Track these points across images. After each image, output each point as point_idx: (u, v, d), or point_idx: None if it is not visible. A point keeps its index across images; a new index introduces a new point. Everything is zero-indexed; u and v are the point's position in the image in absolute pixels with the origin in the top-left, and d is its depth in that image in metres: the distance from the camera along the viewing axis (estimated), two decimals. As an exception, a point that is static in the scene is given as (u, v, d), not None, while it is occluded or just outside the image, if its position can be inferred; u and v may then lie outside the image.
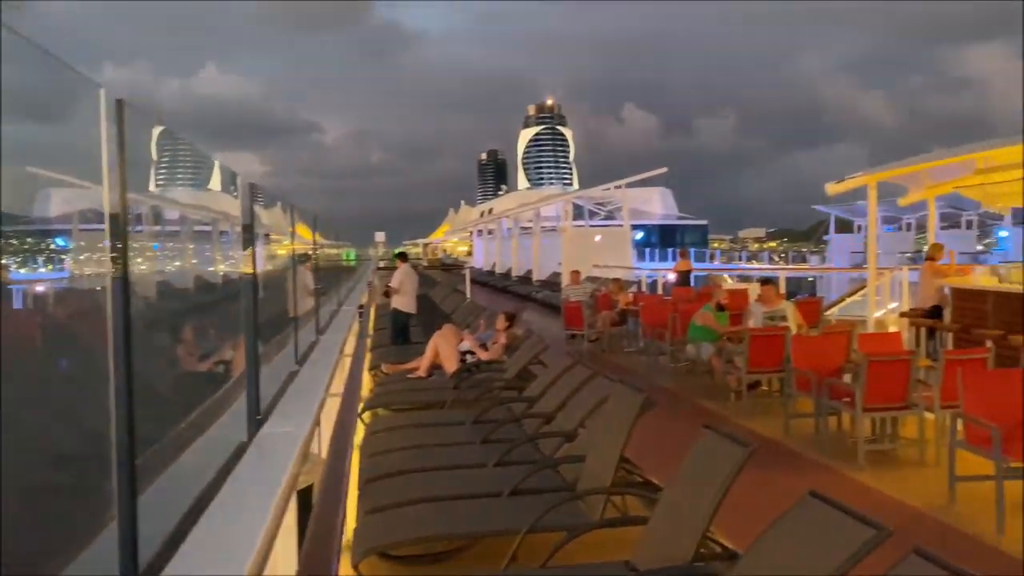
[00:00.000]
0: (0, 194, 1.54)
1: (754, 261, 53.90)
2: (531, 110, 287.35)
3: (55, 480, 1.80)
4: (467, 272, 25.77)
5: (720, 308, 9.86)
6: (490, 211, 72.46)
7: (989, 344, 8.63)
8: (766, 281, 9.93)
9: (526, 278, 32.31)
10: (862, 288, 15.69)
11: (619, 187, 30.26)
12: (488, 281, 36.55)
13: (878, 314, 13.09)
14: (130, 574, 1.73)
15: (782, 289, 14.98)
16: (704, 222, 68.93)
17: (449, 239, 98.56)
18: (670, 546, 3.14)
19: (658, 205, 64.84)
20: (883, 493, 5.70)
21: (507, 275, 36.63)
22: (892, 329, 12.20)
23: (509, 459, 4.87)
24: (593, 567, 3.66)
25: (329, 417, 4.25)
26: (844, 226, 46.43)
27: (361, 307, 14.85)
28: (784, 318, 9.15)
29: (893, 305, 14.18)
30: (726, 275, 27.11)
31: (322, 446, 4.11)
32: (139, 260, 2.65)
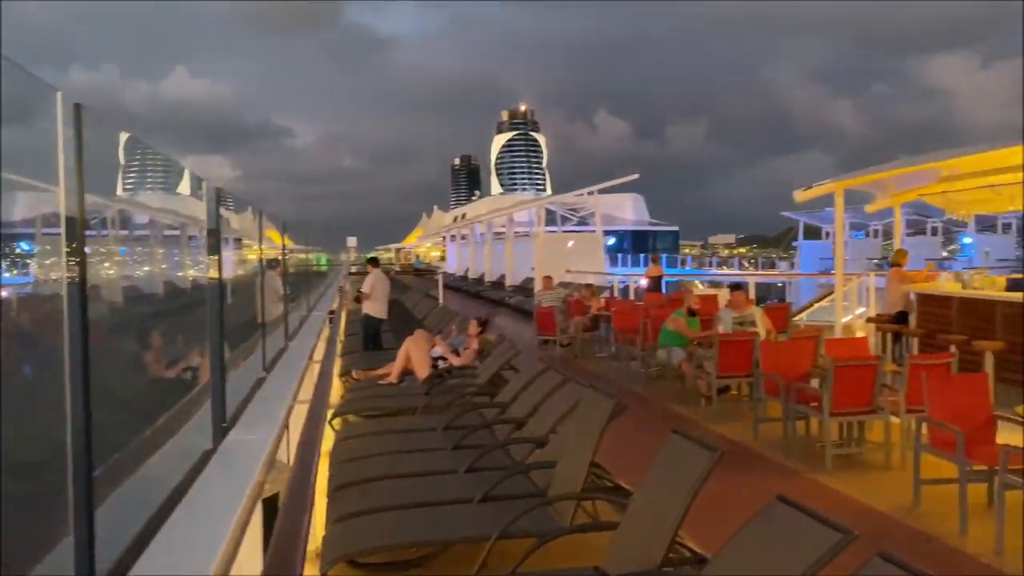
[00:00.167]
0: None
1: (724, 267, 54.52)
2: (504, 115, 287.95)
3: (14, 490, 1.75)
4: (440, 277, 25.70)
5: (691, 313, 9.92)
6: (463, 216, 72.43)
7: (953, 349, 8.77)
8: (736, 287, 10.03)
9: (499, 283, 32.30)
10: (830, 294, 15.91)
11: (592, 193, 30.37)
12: (461, 286, 36.48)
13: (845, 319, 13.28)
14: (87, 586, 1.69)
15: (752, 295, 15.12)
16: (675, 228, 69.48)
17: (422, 244, 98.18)
18: (639, 551, 3.15)
19: (630, 211, 65.26)
20: (850, 497, 5.77)
21: (480, 280, 36.59)
22: (859, 334, 12.38)
23: (480, 465, 4.85)
24: (563, 573, 3.66)
25: (297, 424, 4.20)
26: (813, 232, 47.04)
27: (332, 312, 14.73)
28: (753, 323, 9.24)
29: (860, 310, 14.39)
30: (697, 280, 27.32)
31: (290, 454, 4.06)
32: (106, 264, 2.60)
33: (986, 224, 41.83)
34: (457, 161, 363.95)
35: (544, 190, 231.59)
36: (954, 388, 5.60)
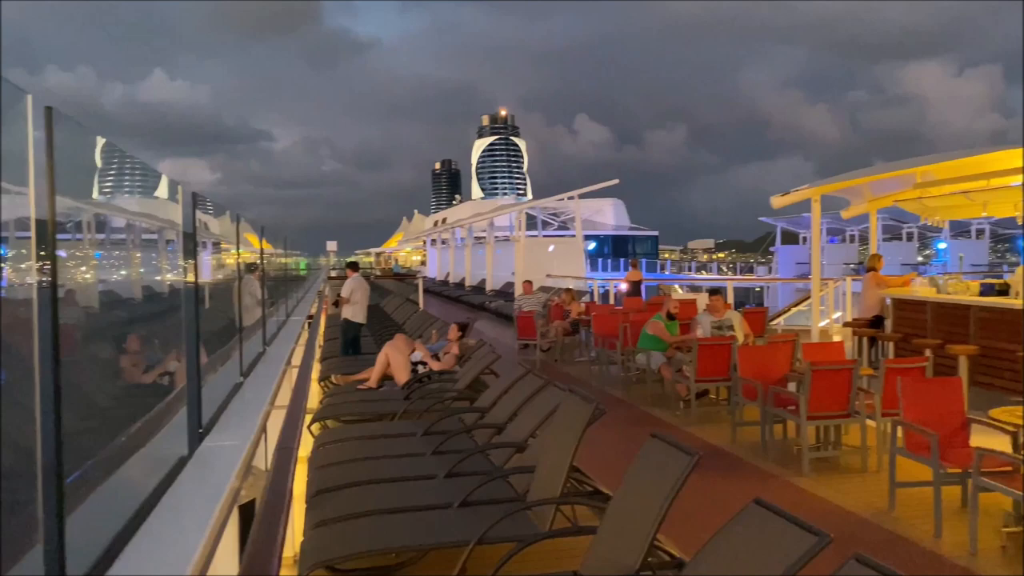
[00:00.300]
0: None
1: (703, 271, 54.81)
2: (485, 120, 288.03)
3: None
4: (420, 282, 25.62)
5: (671, 317, 9.97)
6: (444, 221, 72.29)
7: (928, 353, 8.88)
8: (714, 291, 10.08)
9: (479, 288, 32.31)
10: (807, 298, 16.06)
11: (572, 198, 30.47)
12: (442, 291, 36.42)
13: (822, 324, 13.41)
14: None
15: (730, 299, 15.23)
16: (655, 233, 69.63)
17: (402, 248, 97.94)
18: (617, 555, 3.15)
19: (610, 216, 65.38)
20: (827, 499, 5.82)
21: (461, 285, 36.55)
22: (836, 338, 12.49)
23: (460, 470, 4.84)
24: (542, 578, 3.65)
25: (275, 430, 4.16)
26: (790, 238, 47.47)
27: (311, 317, 14.63)
28: (731, 328, 9.31)
29: (837, 315, 14.53)
30: (676, 285, 27.47)
31: (268, 459, 4.03)
32: (82, 268, 2.57)
33: (960, 230, 42.51)
34: (438, 165, 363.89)
35: (525, 195, 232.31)
36: (929, 392, 5.66)
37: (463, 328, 9.24)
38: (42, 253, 1.71)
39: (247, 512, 3.15)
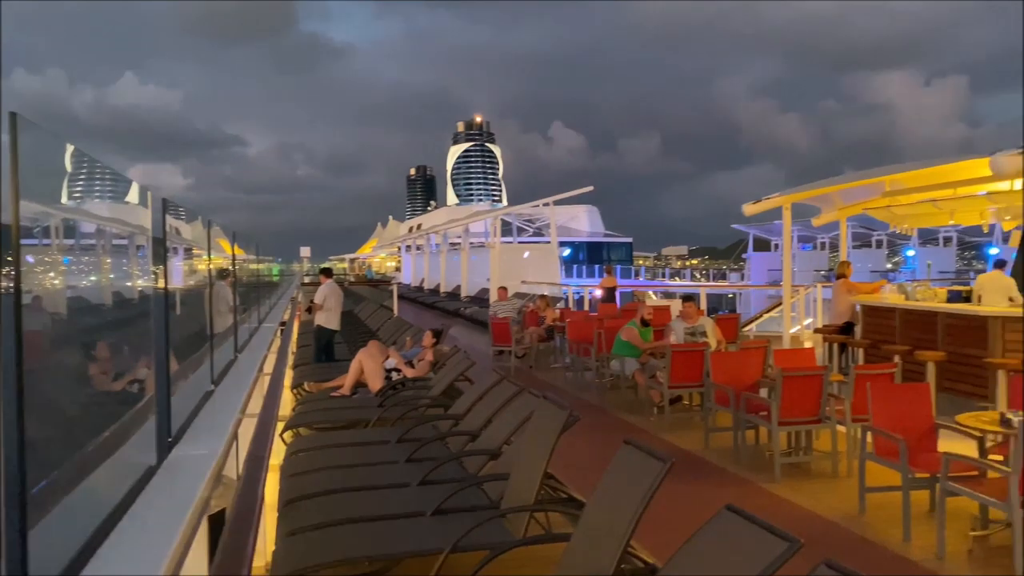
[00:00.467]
0: None
1: (677, 278, 55.23)
2: (460, 127, 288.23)
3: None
4: (394, 288, 25.52)
5: (644, 323, 10.02)
6: (419, 227, 72.10)
7: (897, 359, 9.01)
8: (687, 298, 10.15)
9: (454, 294, 32.27)
10: (779, 305, 16.23)
11: (547, 204, 30.58)
12: (416, 297, 36.32)
13: (793, 330, 13.55)
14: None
15: (703, 305, 15.34)
16: (630, 239, 69.93)
17: (377, 254, 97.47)
18: (591, 562, 3.15)
19: (585, 222, 65.61)
20: (798, 504, 5.87)
21: (435, 291, 36.49)
22: (807, 344, 12.65)
23: (434, 478, 4.82)
24: (516, 586, 3.64)
25: (246, 438, 4.12)
26: (762, 245, 47.95)
27: (283, 324, 14.50)
28: (704, 334, 9.37)
29: (808, 321, 14.71)
30: (650, 291, 27.64)
31: (239, 468, 3.98)
32: (49, 274, 2.52)
33: (928, 237, 43.30)
34: (413, 171, 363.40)
35: (500, 201, 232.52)
36: (897, 397, 5.73)
37: (437, 335, 9.21)
38: (8, 259, 1.68)
39: (217, 522, 3.11)
